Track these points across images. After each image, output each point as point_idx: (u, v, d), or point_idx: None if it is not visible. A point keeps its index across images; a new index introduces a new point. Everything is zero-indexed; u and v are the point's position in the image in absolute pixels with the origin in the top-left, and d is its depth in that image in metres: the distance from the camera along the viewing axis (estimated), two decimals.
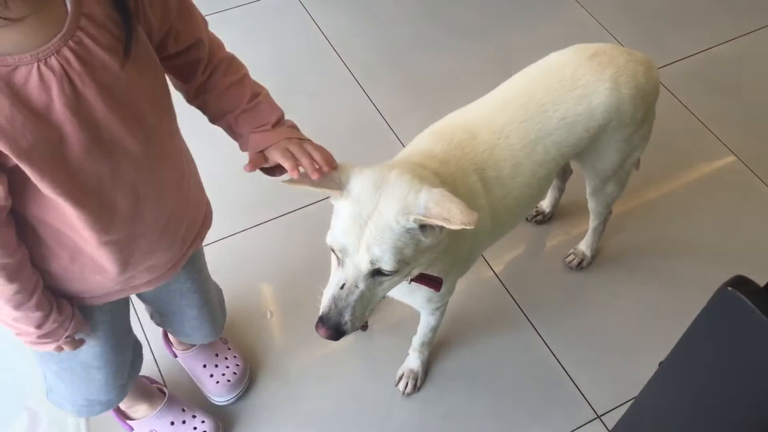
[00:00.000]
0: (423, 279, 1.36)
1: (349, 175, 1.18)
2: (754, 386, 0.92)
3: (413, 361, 1.82)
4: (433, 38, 2.72)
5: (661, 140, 1.94)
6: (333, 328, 1.23)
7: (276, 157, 1.17)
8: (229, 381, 1.77)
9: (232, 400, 1.79)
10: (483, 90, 1.56)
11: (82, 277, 1.17)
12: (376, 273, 1.20)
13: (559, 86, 1.48)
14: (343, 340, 1.90)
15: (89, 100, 0.95)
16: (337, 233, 1.19)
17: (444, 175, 1.33)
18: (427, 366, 1.86)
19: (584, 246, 2.06)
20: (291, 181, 1.17)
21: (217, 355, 1.78)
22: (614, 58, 1.53)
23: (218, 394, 1.77)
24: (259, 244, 2.10)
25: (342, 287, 1.21)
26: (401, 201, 1.15)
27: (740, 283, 0.84)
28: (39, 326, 1.13)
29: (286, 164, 1.15)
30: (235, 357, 1.80)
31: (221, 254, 1.98)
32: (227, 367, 1.78)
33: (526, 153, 1.45)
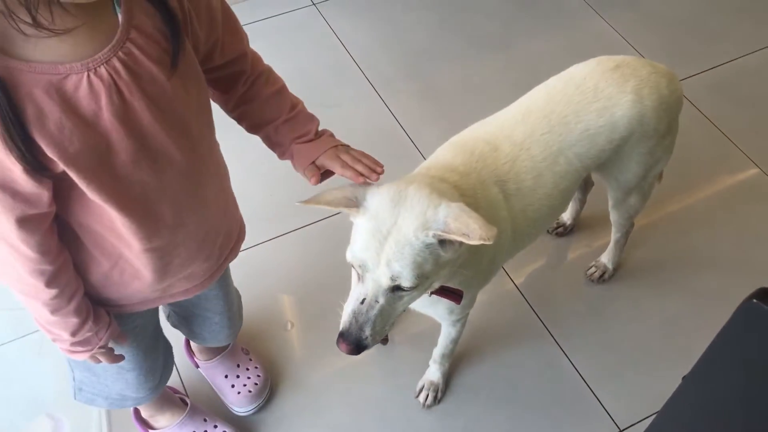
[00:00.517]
0: (444, 292, 1.37)
1: (366, 192, 1.19)
2: None
3: (434, 373, 1.82)
4: (453, 49, 2.73)
5: (684, 152, 1.93)
6: (354, 343, 1.23)
7: (332, 166, 1.23)
8: (250, 392, 1.77)
9: (252, 411, 1.79)
10: (504, 101, 1.56)
11: (122, 284, 1.19)
12: (396, 288, 1.20)
13: (581, 98, 1.48)
14: (364, 353, 1.91)
15: (136, 110, 0.98)
16: (357, 249, 1.19)
17: (464, 188, 1.33)
18: (448, 378, 1.85)
19: (606, 259, 2.05)
20: (306, 201, 1.19)
21: (238, 365, 1.79)
22: (637, 70, 1.53)
23: (239, 404, 1.78)
24: (279, 256, 2.11)
25: (362, 302, 1.22)
26: (420, 216, 1.15)
27: (764, 295, 0.83)
28: (74, 333, 1.15)
29: (347, 174, 1.21)
30: (256, 368, 1.81)
31: (243, 265, 1.98)
32: (248, 377, 1.79)
33: (547, 165, 1.45)
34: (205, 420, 1.71)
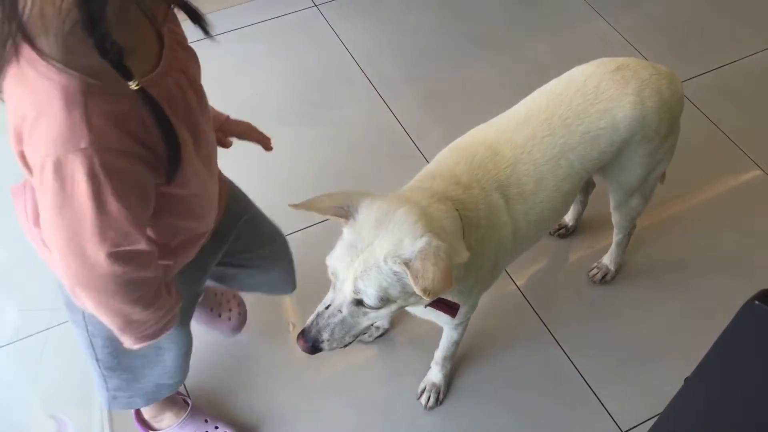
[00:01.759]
0: (439, 304, 1.37)
1: (359, 204, 1.20)
2: None
3: (435, 374, 1.82)
4: (454, 51, 2.73)
5: (686, 154, 1.93)
6: (309, 342, 1.27)
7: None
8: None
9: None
10: (506, 103, 1.57)
11: (181, 256, 1.24)
12: (361, 303, 1.21)
13: (582, 100, 1.48)
14: (365, 353, 1.91)
15: (194, 110, 1.04)
16: (334, 257, 1.22)
17: (467, 202, 1.34)
18: (450, 379, 1.85)
19: (608, 260, 2.05)
20: (298, 205, 1.20)
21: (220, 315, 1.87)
22: (638, 72, 1.53)
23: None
24: None
25: (327, 308, 1.25)
26: (396, 243, 1.15)
27: (766, 296, 0.83)
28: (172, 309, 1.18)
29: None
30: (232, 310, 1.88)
31: None
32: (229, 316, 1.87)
33: (549, 167, 1.45)
34: (206, 420, 1.71)
